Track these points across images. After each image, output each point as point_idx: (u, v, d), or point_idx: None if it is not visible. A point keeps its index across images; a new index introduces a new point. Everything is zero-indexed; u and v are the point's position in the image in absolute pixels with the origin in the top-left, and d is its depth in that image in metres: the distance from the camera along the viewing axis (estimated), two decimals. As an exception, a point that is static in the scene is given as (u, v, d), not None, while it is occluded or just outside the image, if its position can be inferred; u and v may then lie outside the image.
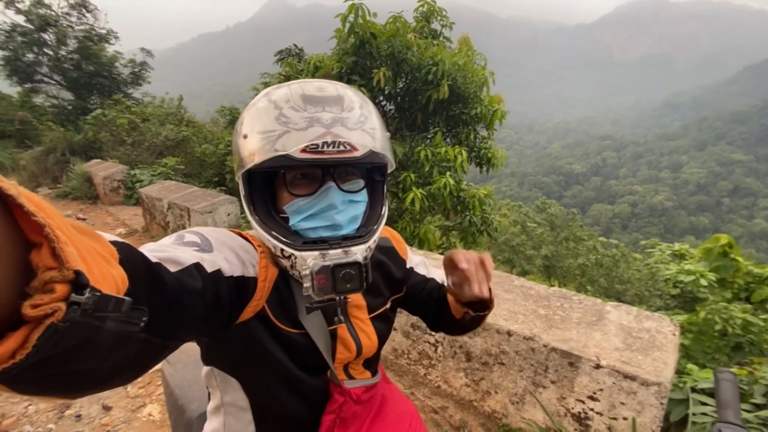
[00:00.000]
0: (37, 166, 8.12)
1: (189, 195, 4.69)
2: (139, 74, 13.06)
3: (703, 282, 4.70)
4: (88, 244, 0.33)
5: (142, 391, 2.41)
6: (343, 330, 0.73)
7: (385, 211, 0.73)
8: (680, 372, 2.42)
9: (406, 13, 4.96)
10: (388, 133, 0.72)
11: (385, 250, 0.83)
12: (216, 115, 11.29)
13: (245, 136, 0.62)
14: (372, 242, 0.67)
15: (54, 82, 12.43)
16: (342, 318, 0.66)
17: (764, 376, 2.38)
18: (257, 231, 0.66)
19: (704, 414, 2.24)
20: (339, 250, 0.62)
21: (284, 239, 0.63)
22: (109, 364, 0.36)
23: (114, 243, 0.39)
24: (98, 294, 0.29)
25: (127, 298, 0.32)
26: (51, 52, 11.98)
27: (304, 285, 0.57)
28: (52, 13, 11.62)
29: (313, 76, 5.10)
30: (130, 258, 0.40)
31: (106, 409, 2.26)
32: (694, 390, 2.41)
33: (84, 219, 5.93)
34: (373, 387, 0.79)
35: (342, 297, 0.61)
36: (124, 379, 0.42)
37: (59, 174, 7.97)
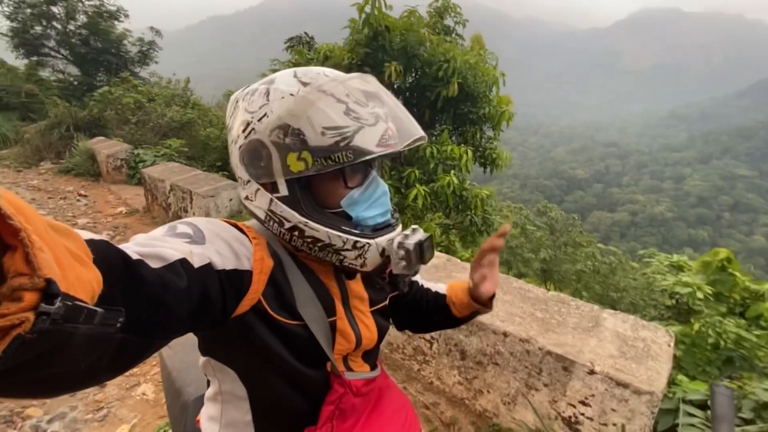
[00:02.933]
0: (41, 140, 8.08)
1: (192, 178, 4.69)
2: (147, 53, 12.96)
3: (700, 295, 4.71)
4: (64, 246, 0.32)
5: (137, 370, 2.43)
6: (342, 321, 0.73)
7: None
8: (670, 382, 2.44)
9: (420, 8, 4.92)
10: None
11: None
12: (222, 99, 11.23)
13: (324, 133, 0.58)
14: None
15: (61, 57, 12.34)
16: (406, 288, 0.78)
17: (754, 392, 2.39)
18: (318, 231, 0.63)
19: (692, 425, 2.26)
20: (408, 230, 0.71)
21: (354, 231, 0.66)
22: (83, 366, 0.36)
23: (90, 242, 0.38)
24: (69, 303, 0.29)
25: (99, 309, 0.32)
26: (59, 26, 11.88)
27: (399, 264, 0.67)
28: (62, -14, 11.52)
29: (322, 65, 5.07)
30: (106, 257, 0.39)
31: (101, 385, 2.28)
32: (684, 401, 2.43)
33: (85, 196, 5.93)
34: (373, 380, 0.80)
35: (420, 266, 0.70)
36: (101, 379, 0.42)
37: (63, 149, 7.94)
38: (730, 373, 3.70)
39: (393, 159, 4.41)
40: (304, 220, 0.63)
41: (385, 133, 0.61)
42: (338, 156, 0.58)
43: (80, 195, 5.92)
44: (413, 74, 4.94)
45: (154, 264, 0.48)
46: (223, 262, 0.58)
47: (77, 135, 8.03)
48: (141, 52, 12.88)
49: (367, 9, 4.48)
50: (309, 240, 0.65)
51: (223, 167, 7.70)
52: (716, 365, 3.88)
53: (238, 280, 0.60)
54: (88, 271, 0.34)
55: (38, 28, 11.76)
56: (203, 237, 0.59)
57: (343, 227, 0.65)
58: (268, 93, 0.63)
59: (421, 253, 0.67)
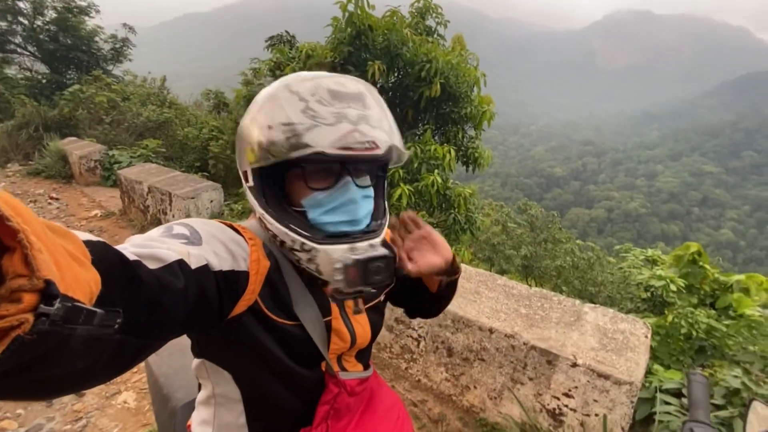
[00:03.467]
0: (8, 141, 7.72)
1: (171, 179, 4.58)
2: (121, 51, 12.52)
3: (673, 287, 4.90)
4: (62, 247, 0.32)
5: (117, 378, 2.36)
6: (337, 321, 0.74)
7: (388, 205, 0.75)
8: (647, 372, 2.54)
9: (402, 8, 4.94)
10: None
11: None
12: (200, 98, 10.98)
13: (270, 127, 0.60)
14: (383, 235, 0.70)
15: (28, 54, 11.80)
16: (361, 307, 0.69)
17: (724, 379, 2.51)
18: (272, 225, 0.64)
19: (668, 413, 2.36)
20: (365, 244, 0.64)
21: (304, 233, 0.63)
22: (81, 367, 0.35)
23: (88, 242, 0.38)
24: (69, 304, 0.29)
25: (98, 309, 0.32)
26: (26, 22, 11.36)
27: (335, 278, 0.59)
28: (29, -20, 11.02)
29: (304, 64, 5.03)
30: (104, 258, 0.39)
31: (79, 394, 2.20)
32: (660, 390, 2.53)
33: (57, 199, 5.70)
34: (366, 380, 0.81)
35: (369, 288, 0.63)
36: (100, 379, 0.42)
37: (31, 150, 7.61)
38: (702, 361, 3.87)
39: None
40: (262, 211, 0.65)
41: (347, 135, 0.59)
42: (277, 151, 0.59)
43: (52, 198, 5.70)
44: (396, 74, 4.95)
45: (152, 265, 0.48)
46: (220, 263, 0.58)
47: (47, 135, 7.71)
48: (114, 50, 12.44)
49: (351, 8, 4.47)
50: (271, 234, 0.66)
51: (202, 168, 7.53)
52: (689, 354, 4.05)
53: (235, 281, 0.60)
54: (86, 272, 0.34)
55: (3, 24, 11.22)
56: (200, 238, 0.59)
57: (293, 226, 0.63)
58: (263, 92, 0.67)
59: (364, 273, 0.60)
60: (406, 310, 0.97)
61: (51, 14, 11.40)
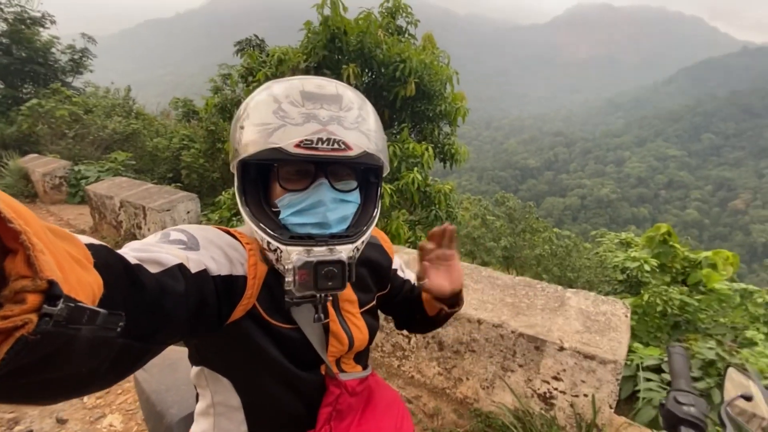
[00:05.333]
0: (-37, 161, 7.30)
1: (143, 192, 4.44)
2: (80, 62, 12.00)
3: (647, 267, 5.11)
4: (65, 250, 0.32)
5: (100, 401, 2.28)
6: (335, 324, 0.74)
7: (377, 213, 0.73)
8: (627, 351, 2.65)
9: (372, 8, 4.96)
10: (385, 137, 0.73)
11: (373, 247, 0.86)
12: (168, 107, 10.68)
13: (242, 127, 0.62)
14: (360, 243, 0.67)
15: (-21, 68, 11.18)
16: (322, 316, 0.65)
17: (700, 352, 2.64)
18: (247, 223, 0.66)
19: (650, 390, 2.46)
20: (324, 248, 0.61)
21: (271, 232, 0.62)
22: (84, 370, 0.35)
23: (90, 246, 0.38)
24: (72, 305, 0.29)
25: (102, 310, 0.32)
26: (-25, 35, 10.76)
27: (286, 279, 0.58)
28: (-24, -9, 10.43)
29: (276, 69, 4.97)
30: (107, 261, 0.39)
31: (61, 422, 2.11)
32: (642, 368, 2.64)
33: (22, 219, 5.44)
34: (365, 379, 0.81)
35: (323, 295, 0.60)
36: (102, 384, 0.41)
37: (-10, 170, 7.23)
38: (677, 336, 4.06)
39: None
40: (239, 206, 0.67)
41: (312, 135, 0.58)
42: (243, 149, 0.62)
43: (15, 219, 5.42)
44: (370, 75, 4.97)
45: (153, 269, 0.48)
46: (218, 268, 0.58)
47: (6, 153, 7.33)
48: (72, 61, 11.91)
49: (326, 11, 4.46)
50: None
51: (175, 179, 7.34)
52: (665, 331, 4.25)
53: (233, 285, 0.60)
54: (89, 274, 0.34)
55: (-51, 38, 10.58)
56: (197, 243, 0.59)
57: (262, 225, 0.63)
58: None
59: (315, 277, 0.57)
60: (398, 322, 0.99)
61: (2, 26, 10.82)
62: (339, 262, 0.58)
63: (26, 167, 6.47)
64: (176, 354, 1.22)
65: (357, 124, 0.63)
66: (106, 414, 2.20)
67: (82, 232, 4.94)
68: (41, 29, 11.30)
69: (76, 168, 6.34)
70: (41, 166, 6.30)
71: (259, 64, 5.55)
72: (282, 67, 4.88)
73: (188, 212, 4.18)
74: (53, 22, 11.54)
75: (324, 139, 0.59)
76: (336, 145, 0.60)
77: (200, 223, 4.27)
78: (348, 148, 0.61)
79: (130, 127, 8.31)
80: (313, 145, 0.59)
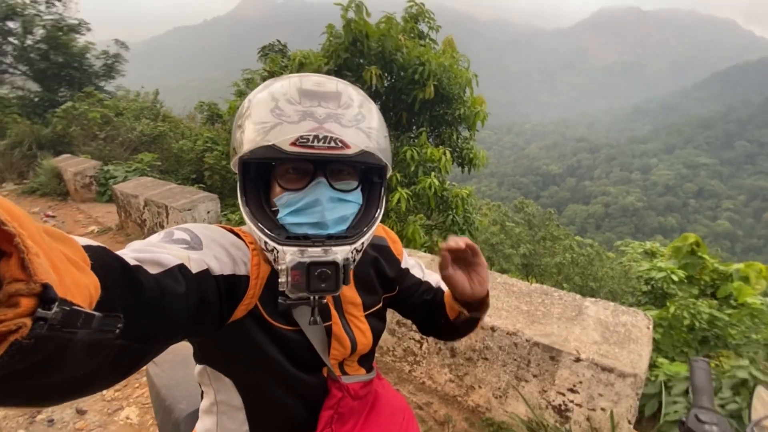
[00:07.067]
0: (2, 160, 7.71)
1: (167, 192, 4.57)
2: (113, 66, 12.57)
3: (674, 278, 4.90)
4: (61, 252, 0.32)
5: (118, 394, 2.34)
6: (337, 326, 0.73)
7: (379, 214, 0.71)
8: (651, 365, 2.53)
9: (395, 13, 5.01)
10: (388, 136, 0.71)
11: (379, 248, 0.84)
12: (193, 111, 11.00)
13: (241, 126, 0.62)
14: (359, 245, 0.65)
15: (20, 73, 11.83)
16: (318, 319, 0.62)
17: (731, 370, 2.51)
18: (246, 222, 0.65)
19: (677, 412, 2.35)
20: (319, 249, 0.60)
21: (268, 232, 0.61)
22: (82, 372, 0.35)
23: (88, 247, 0.38)
24: (67, 308, 0.28)
25: (97, 313, 0.31)
26: (17, 42, 11.39)
27: (279, 280, 0.56)
28: (19, 1, 11.05)
29: (297, 72, 5.06)
30: (104, 263, 0.39)
31: (81, 413, 2.18)
32: (666, 385, 2.52)
33: (53, 216, 5.68)
34: (369, 383, 0.80)
35: (316, 297, 0.58)
36: (102, 385, 0.41)
37: (26, 169, 7.61)
38: (706, 352, 3.87)
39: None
40: (240, 205, 0.66)
41: (308, 133, 0.57)
42: (239, 148, 0.62)
43: (48, 216, 5.67)
44: (389, 78, 4.99)
45: (153, 270, 0.48)
46: (221, 267, 0.58)
47: (41, 153, 7.71)
48: (106, 66, 12.48)
49: (350, 14, 4.53)
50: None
51: (198, 179, 7.53)
52: (693, 346, 4.05)
53: (236, 285, 0.60)
54: (85, 276, 0.33)
55: (-7, 45, 11.25)
56: (200, 243, 0.59)
57: (260, 225, 0.62)
58: None
59: (307, 278, 0.55)
60: (419, 326, 0.94)
61: (41, 33, 11.43)
62: (333, 264, 0.56)
63: (59, 167, 6.77)
64: (188, 350, 1.23)
65: (356, 122, 0.62)
66: (124, 407, 2.26)
67: (109, 229, 5.12)
68: (77, 36, 11.88)
69: (105, 168, 6.60)
70: (73, 165, 6.58)
71: (281, 68, 5.66)
72: (303, 70, 4.96)
73: (208, 212, 4.27)
74: (89, 30, 12.12)
75: (320, 137, 0.58)
76: (333, 143, 0.59)
77: (220, 222, 4.37)
78: (345, 146, 0.60)
79: (157, 130, 8.60)
80: (309, 143, 0.58)
